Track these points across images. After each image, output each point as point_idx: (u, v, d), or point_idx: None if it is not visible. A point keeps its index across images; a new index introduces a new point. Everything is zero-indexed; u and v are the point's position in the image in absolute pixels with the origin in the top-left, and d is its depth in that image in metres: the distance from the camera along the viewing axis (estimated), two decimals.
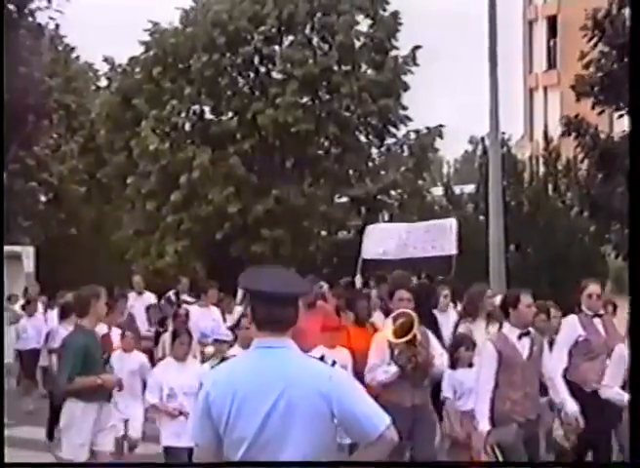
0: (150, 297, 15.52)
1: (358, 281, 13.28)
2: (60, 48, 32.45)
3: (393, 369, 8.20)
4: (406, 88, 23.78)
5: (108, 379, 8.45)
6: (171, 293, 15.50)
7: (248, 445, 4.11)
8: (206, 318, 12.00)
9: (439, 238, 13.55)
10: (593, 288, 8.96)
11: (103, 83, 28.75)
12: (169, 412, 8.56)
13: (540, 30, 43.23)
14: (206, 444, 4.23)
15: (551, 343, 8.89)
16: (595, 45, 20.40)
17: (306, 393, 4.10)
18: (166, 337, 11.27)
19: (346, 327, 9.65)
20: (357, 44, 23.57)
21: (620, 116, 20.57)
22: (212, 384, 4.24)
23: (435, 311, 10.28)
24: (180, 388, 8.58)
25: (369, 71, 23.72)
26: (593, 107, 20.23)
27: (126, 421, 9.59)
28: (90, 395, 8.20)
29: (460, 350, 8.66)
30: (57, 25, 30.52)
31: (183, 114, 23.79)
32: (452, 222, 14.05)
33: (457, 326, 9.65)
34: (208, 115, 24.28)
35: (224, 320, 13.21)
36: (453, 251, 13.63)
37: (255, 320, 4.25)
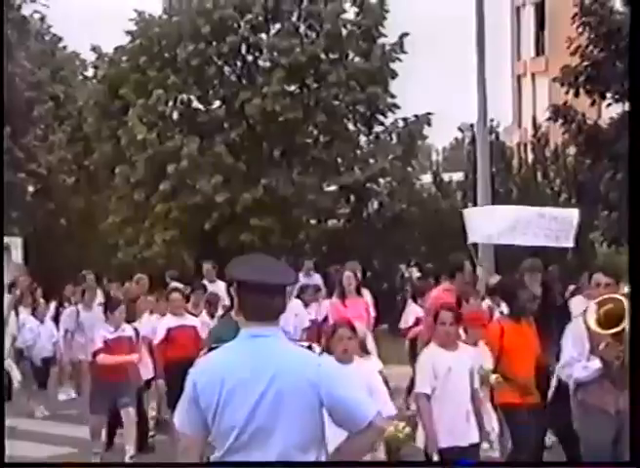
0: (222, 286, 14.54)
1: (480, 269, 12.10)
2: (47, 38, 32.35)
3: (596, 364, 6.85)
4: (394, 75, 23.74)
5: None
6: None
7: (237, 434, 4.12)
8: (287, 312, 11.18)
9: (556, 227, 12.60)
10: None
11: (90, 73, 28.68)
12: None
13: (528, 17, 43.25)
14: (194, 433, 4.23)
15: None
16: (582, 32, 20.44)
17: (294, 381, 4.11)
18: None
19: (499, 321, 8.73)
20: (344, 32, 23.51)
21: (609, 105, 20.64)
22: (200, 373, 4.25)
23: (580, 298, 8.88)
24: None
25: (356, 59, 23.67)
26: (577, 94, 20.26)
27: None
28: None
29: None
30: (42, 16, 30.53)
31: (171, 103, 23.72)
32: (575, 214, 13.19)
33: None
34: (195, 104, 24.23)
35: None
36: (569, 243, 12.82)
37: (242, 309, 4.27)
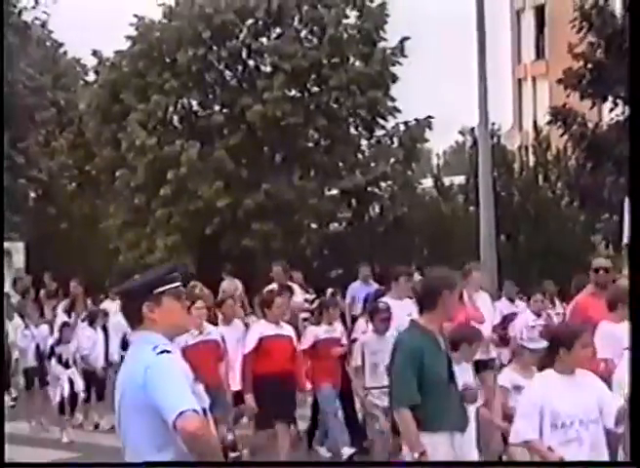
0: (297, 289, 13.54)
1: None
2: (48, 43, 32.38)
3: None
4: (394, 79, 23.74)
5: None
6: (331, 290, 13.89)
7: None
8: (401, 313, 9.57)
9: None
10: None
11: (91, 78, 28.67)
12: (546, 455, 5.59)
13: (528, 20, 43.20)
14: None
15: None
16: (583, 36, 20.47)
17: (131, 386, 4.21)
18: (366, 339, 9.66)
19: None
20: (345, 36, 23.50)
21: (612, 110, 20.64)
22: None
23: None
24: (571, 415, 5.66)
25: (357, 63, 23.67)
26: (582, 98, 20.30)
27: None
28: (436, 421, 5.86)
29: None
30: (44, 22, 30.56)
31: (171, 108, 23.71)
32: None
33: None
34: (195, 109, 24.24)
35: None
36: None
37: None
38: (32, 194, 29.48)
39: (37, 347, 13.00)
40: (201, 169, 22.26)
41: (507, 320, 12.17)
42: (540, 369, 6.01)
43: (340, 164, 23.80)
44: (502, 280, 15.68)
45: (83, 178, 28.72)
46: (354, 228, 23.85)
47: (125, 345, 12.84)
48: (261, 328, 9.65)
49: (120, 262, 23.63)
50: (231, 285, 15.32)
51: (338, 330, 10.37)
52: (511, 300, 13.13)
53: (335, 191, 23.62)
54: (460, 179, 24.67)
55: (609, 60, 19.72)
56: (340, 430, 10.22)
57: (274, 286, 12.73)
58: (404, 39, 23.79)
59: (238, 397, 9.85)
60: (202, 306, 9.71)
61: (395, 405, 5.93)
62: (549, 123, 21.18)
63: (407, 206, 23.65)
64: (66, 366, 12.35)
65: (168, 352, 4.18)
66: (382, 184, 23.89)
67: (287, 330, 9.71)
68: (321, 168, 23.46)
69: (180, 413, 3.98)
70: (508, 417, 6.98)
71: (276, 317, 9.65)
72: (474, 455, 6.36)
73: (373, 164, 23.69)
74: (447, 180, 24.88)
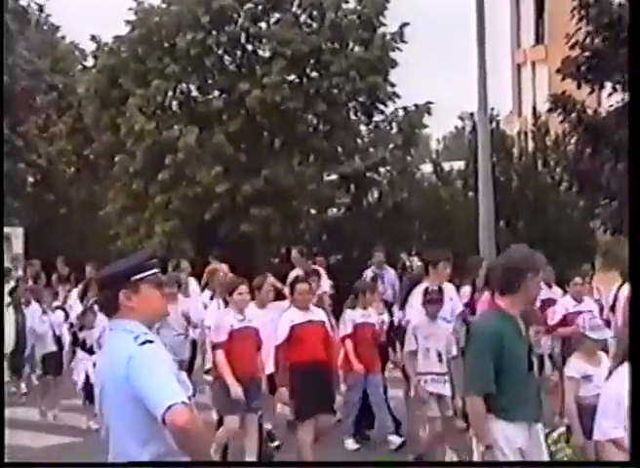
0: (324, 274, 13.47)
1: None
2: (46, 27, 32.32)
3: None
4: (394, 65, 23.71)
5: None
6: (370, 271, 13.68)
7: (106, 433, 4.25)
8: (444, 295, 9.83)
9: None
10: None
11: (90, 63, 28.64)
12: None
13: (528, 5, 43.10)
14: None
15: None
16: (582, 21, 20.46)
17: (113, 378, 4.12)
18: (418, 323, 9.57)
19: None
20: (345, 21, 23.46)
21: (609, 95, 20.66)
22: None
23: None
24: None
25: (357, 49, 23.64)
26: (579, 86, 20.31)
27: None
28: (514, 410, 5.59)
29: None
30: (41, 6, 30.53)
31: (170, 93, 23.69)
32: None
33: None
34: (194, 94, 24.22)
35: None
36: None
37: None
38: (31, 179, 29.48)
39: (54, 333, 12.92)
40: (200, 154, 22.26)
41: (545, 305, 12.13)
42: (620, 363, 5.49)
43: (340, 149, 23.80)
44: None
45: (82, 164, 28.73)
46: (353, 214, 23.86)
47: None
48: (292, 316, 9.34)
49: (119, 248, 23.62)
50: None
51: (372, 315, 10.32)
52: (549, 286, 13.04)
53: (334, 176, 23.63)
54: (459, 165, 24.66)
55: (606, 48, 19.73)
56: (351, 421, 10.34)
57: (298, 271, 12.53)
58: (403, 25, 23.74)
59: (272, 382, 9.63)
60: (245, 291, 9.39)
61: (468, 392, 5.70)
62: (549, 110, 21.17)
63: (406, 191, 23.66)
64: (90, 352, 12.03)
65: (150, 342, 4.08)
66: (381, 170, 23.90)
67: (318, 314, 9.45)
68: (320, 153, 23.46)
69: (169, 407, 3.88)
70: (582, 408, 6.96)
71: (303, 303, 9.39)
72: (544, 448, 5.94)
73: (372, 149, 23.70)
74: (446, 166, 24.85)
